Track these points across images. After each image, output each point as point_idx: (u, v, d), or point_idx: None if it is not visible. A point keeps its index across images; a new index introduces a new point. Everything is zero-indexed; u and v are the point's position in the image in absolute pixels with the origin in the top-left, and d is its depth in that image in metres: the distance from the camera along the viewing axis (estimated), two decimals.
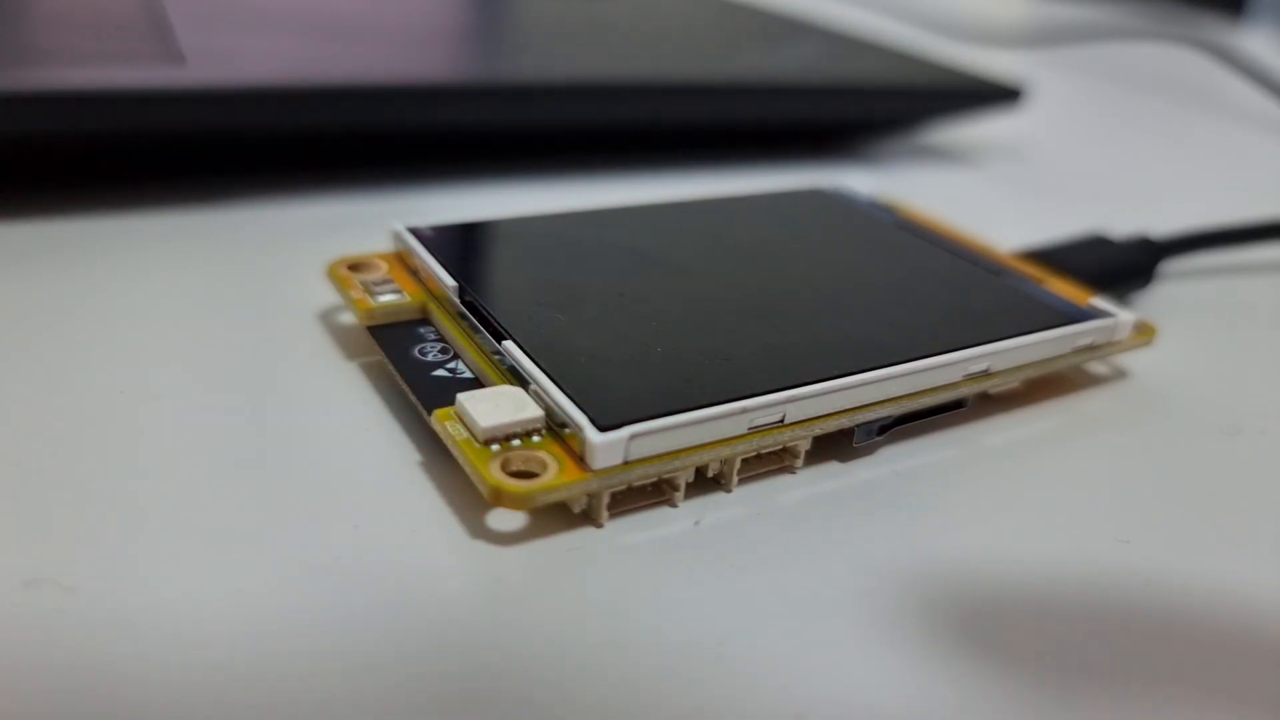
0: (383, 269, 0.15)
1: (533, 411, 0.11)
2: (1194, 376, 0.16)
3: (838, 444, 0.13)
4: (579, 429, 0.11)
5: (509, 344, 0.12)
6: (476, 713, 0.09)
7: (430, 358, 0.13)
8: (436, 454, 0.12)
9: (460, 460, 0.11)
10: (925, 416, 0.13)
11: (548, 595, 0.10)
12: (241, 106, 0.18)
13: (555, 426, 0.11)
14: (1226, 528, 0.13)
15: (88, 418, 0.12)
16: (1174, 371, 0.16)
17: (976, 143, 0.30)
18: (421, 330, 0.14)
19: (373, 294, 0.14)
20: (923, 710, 0.09)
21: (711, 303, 0.14)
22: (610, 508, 0.11)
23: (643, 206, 0.17)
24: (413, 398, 0.12)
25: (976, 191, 0.25)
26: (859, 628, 0.10)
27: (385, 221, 0.19)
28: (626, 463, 0.11)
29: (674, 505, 0.12)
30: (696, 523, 0.12)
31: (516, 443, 0.11)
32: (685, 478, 0.12)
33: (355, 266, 0.15)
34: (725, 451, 0.12)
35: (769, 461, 0.13)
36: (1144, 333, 0.16)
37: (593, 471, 0.11)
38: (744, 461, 0.12)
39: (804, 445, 0.12)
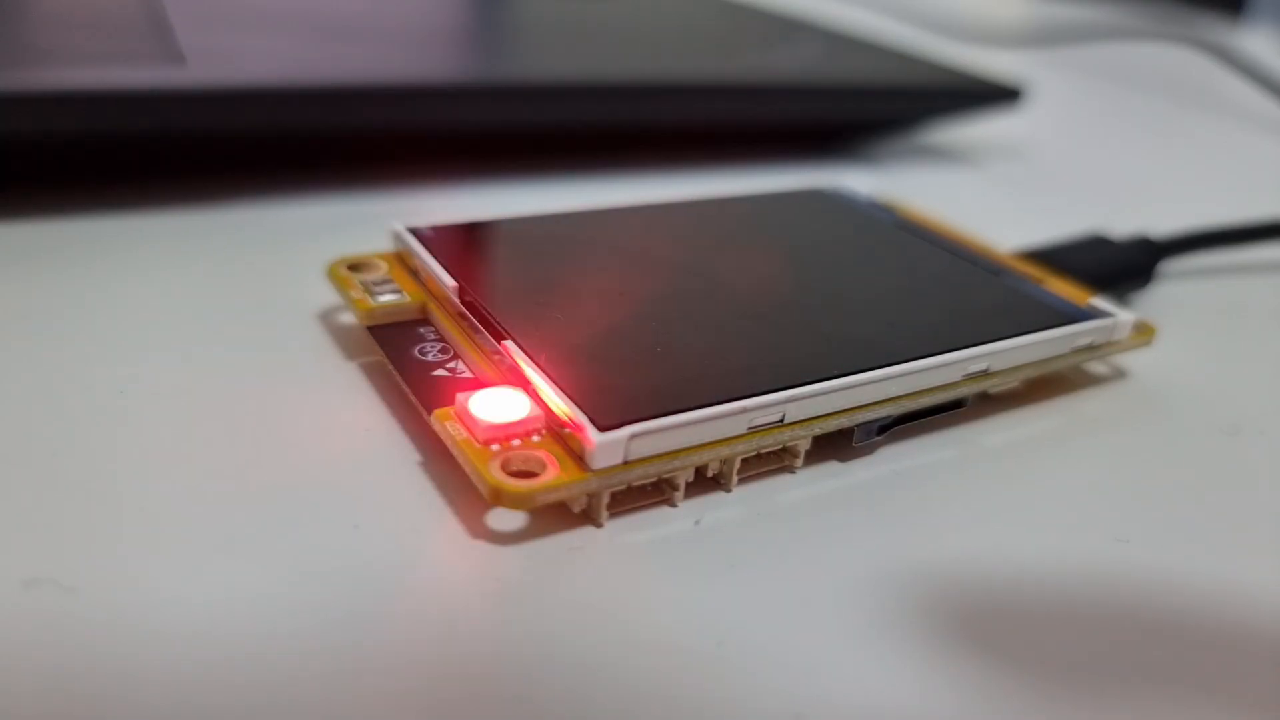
0: (383, 269, 0.15)
1: (532, 411, 0.11)
2: (1193, 376, 0.16)
3: (837, 444, 0.13)
4: (579, 429, 0.11)
5: (509, 344, 0.12)
6: (477, 713, 0.09)
7: (430, 358, 0.13)
8: (436, 454, 0.12)
9: (460, 460, 0.11)
10: (925, 416, 0.13)
11: (548, 595, 0.10)
12: (241, 106, 0.18)
13: (555, 426, 0.11)
14: (1226, 528, 0.13)
15: (88, 417, 0.12)
16: (1173, 371, 0.16)
17: (976, 143, 0.30)
18: (421, 330, 0.14)
19: (373, 294, 0.14)
20: (923, 710, 0.09)
21: (711, 303, 0.14)
22: (610, 507, 0.11)
23: (642, 206, 0.17)
24: (413, 398, 0.12)
25: (976, 191, 0.25)
26: (859, 627, 0.10)
27: (385, 221, 0.19)
28: (626, 462, 0.11)
29: (674, 505, 0.12)
30: (696, 522, 0.12)
31: (516, 443, 0.11)
32: (685, 477, 0.12)
33: (355, 266, 0.15)
34: (725, 451, 0.12)
35: (769, 461, 0.13)
36: (1143, 333, 0.16)
37: (592, 471, 0.11)
38: (744, 461, 0.12)
39: (804, 445, 0.12)
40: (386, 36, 0.23)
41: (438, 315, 0.14)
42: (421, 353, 0.13)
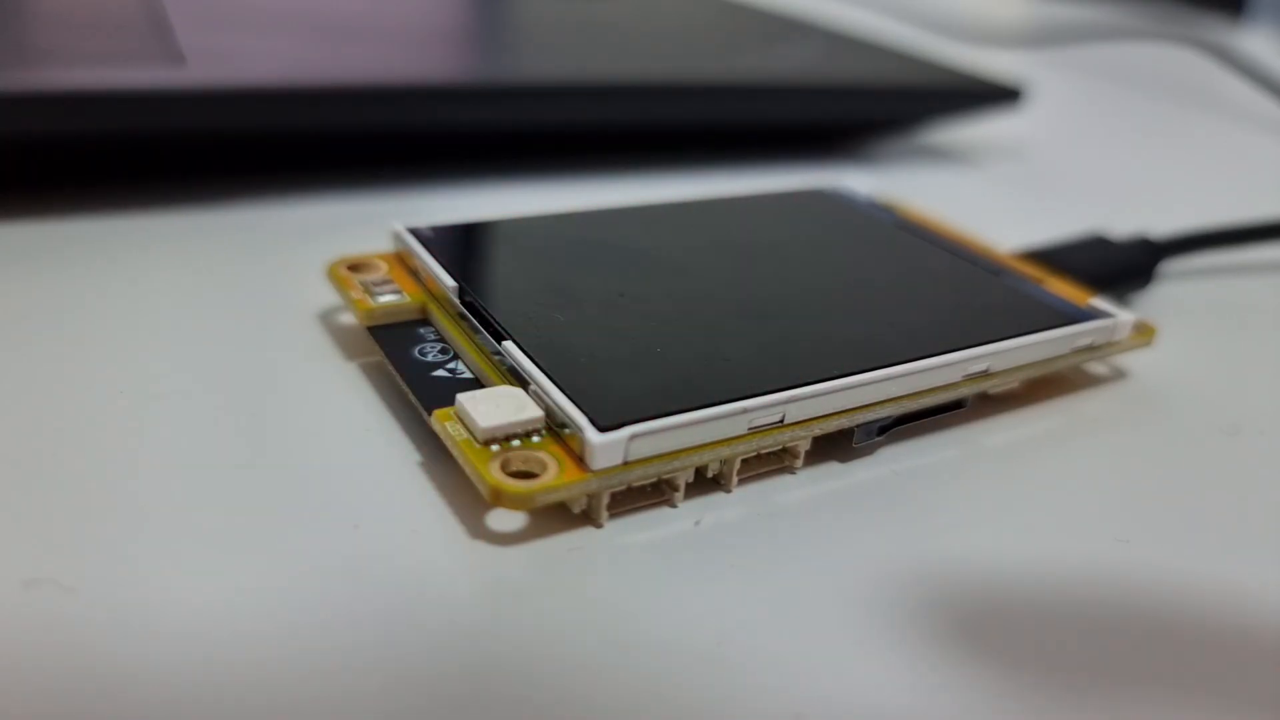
0: (383, 269, 0.15)
1: (532, 412, 0.11)
2: (1193, 376, 0.16)
3: (837, 444, 0.13)
4: (579, 429, 0.11)
5: (509, 344, 0.12)
6: (477, 713, 0.09)
7: (430, 358, 0.13)
8: (436, 454, 0.12)
9: (460, 460, 0.11)
10: (925, 417, 0.13)
11: (548, 595, 0.10)
12: (241, 106, 0.18)
13: (555, 427, 0.11)
14: (1226, 528, 0.13)
15: (88, 418, 0.12)
16: (1173, 372, 0.16)
17: (976, 143, 0.30)
18: (421, 330, 0.14)
19: (373, 294, 0.14)
20: (922, 710, 0.09)
21: (711, 303, 0.14)
22: (610, 508, 0.11)
23: (643, 206, 0.17)
24: (413, 398, 0.12)
25: (976, 191, 0.25)
26: (859, 628, 0.10)
27: (385, 221, 0.19)
28: (626, 463, 0.11)
29: (674, 505, 0.12)
30: (696, 523, 0.12)
31: (516, 443, 0.11)
32: (685, 478, 0.12)
33: (355, 267, 0.15)
34: (725, 452, 0.12)
35: (769, 462, 0.13)
36: (1143, 333, 0.16)
37: (592, 472, 0.11)
38: (744, 462, 0.12)
39: (804, 445, 0.12)
40: (386, 36, 0.23)
41: (438, 315, 0.14)
42: (421, 353, 0.13)
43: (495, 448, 0.11)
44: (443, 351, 0.13)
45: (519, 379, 0.12)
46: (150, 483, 0.11)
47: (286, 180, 0.20)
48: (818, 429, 0.12)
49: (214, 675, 0.09)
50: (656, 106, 0.22)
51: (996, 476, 0.13)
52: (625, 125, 0.23)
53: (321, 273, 0.16)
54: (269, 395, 0.13)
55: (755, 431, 0.12)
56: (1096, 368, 0.16)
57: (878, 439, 0.13)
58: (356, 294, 0.14)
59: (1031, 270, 0.17)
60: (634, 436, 0.11)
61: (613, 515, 0.12)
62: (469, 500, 0.12)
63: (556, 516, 0.11)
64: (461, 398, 0.11)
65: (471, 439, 0.11)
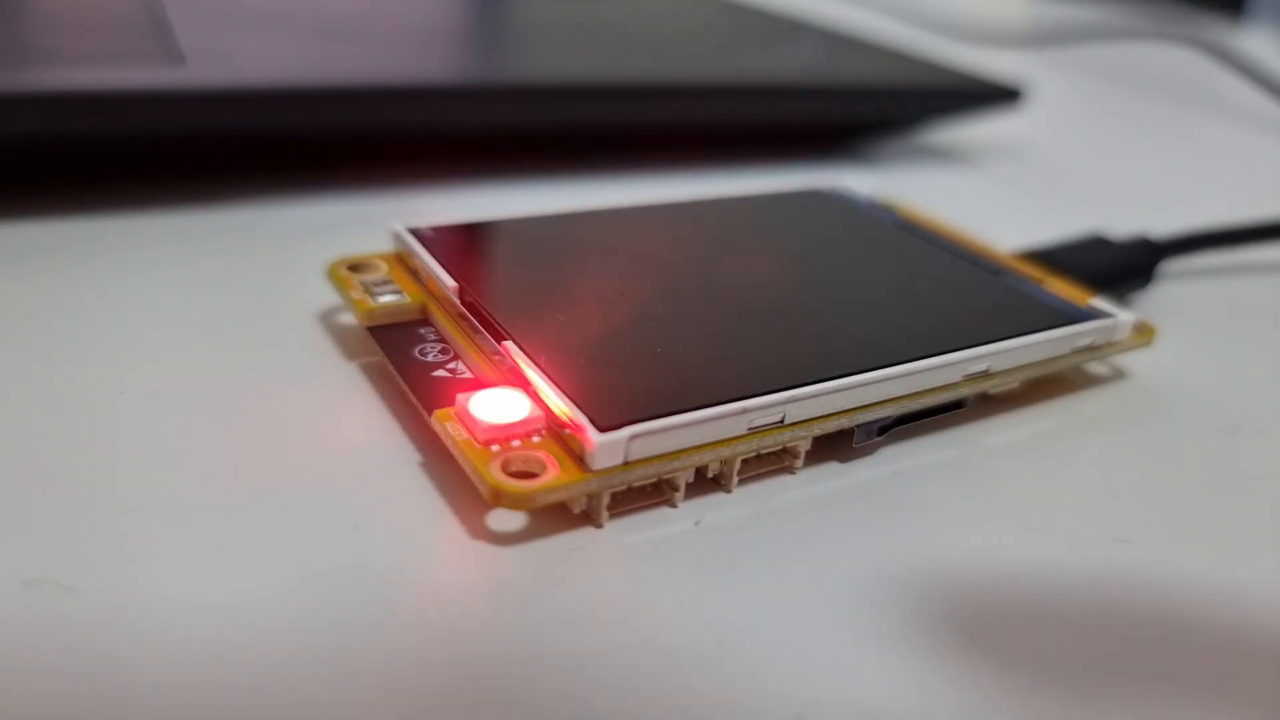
0: (383, 269, 0.15)
1: (532, 412, 0.11)
2: (1193, 377, 0.16)
3: (837, 444, 0.13)
4: (579, 429, 0.11)
5: (509, 344, 0.12)
6: (477, 713, 0.09)
7: (430, 358, 0.13)
8: (436, 454, 0.12)
9: (460, 460, 0.11)
10: (925, 417, 0.13)
11: (548, 595, 0.10)
12: (241, 106, 0.18)
13: (555, 427, 0.11)
14: (1226, 528, 0.13)
15: (88, 418, 0.12)
16: (1173, 372, 0.16)
17: (976, 143, 0.30)
18: (422, 331, 0.14)
19: (373, 294, 0.14)
20: (923, 710, 0.09)
21: (711, 303, 0.14)
22: (610, 508, 0.11)
23: (642, 207, 0.17)
24: (413, 398, 0.12)
25: (976, 191, 0.25)
26: (859, 628, 0.10)
27: (385, 221, 0.19)
28: (626, 463, 0.11)
29: (674, 505, 0.12)
30: (696, 523, 0.12)
31: (516, 443, 0.11)
32: (685, 478, 0.12)
33: (355, 267, 0.15)
34: (725, 452, 0.12)
35: (769, 462, 0.13)
36: (1143, 333, 0.16)
37: (593, 472, 0.11)
38: (744, 462, 0.12)
39: (804, 446, 0.12)
40: (386, 36, 0.23)
41: (438, 316, 0.14)
42: (422, 353, 0.13)
43: (495, 448, 0.11)
44: (443, 351, 0.13)
45: (519, 379, 0.12)
46: (150, 483, 0.11)
47: (286, 180, 0.20)
48: (818, 429, 0.12)
49: (214, 675, 0.09)
50: (656, 106, 0.22)
51: (996, 476, 0.13)
52: (625, 125, 0.23)
53: (321, 273, 0.16)
54: (269, 395, 0.13)
55: (755, 431, 0.12)
56: (1096, 368, 0.16)
57: (878, 439, 0.13)
58: (356, 294, 0.14)
59: (1031, 270, 0.17)
60: (634, 437, 0.11)
61: (613, 515, 0.12)
62: (469, 500, 0.11)
63: (556, 517, 0.11)
64: (461, 398, 0.11)
65: (471, 439, 0.11)
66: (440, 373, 0.13)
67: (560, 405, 0.11)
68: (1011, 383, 0.14)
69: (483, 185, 0.21)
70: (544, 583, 0.10)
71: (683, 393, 0.11)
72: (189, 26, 0.20)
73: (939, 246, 0.17)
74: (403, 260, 0.15)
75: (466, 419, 0.11)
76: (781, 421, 0.12)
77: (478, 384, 0.12)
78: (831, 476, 0.13)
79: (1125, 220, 0.23)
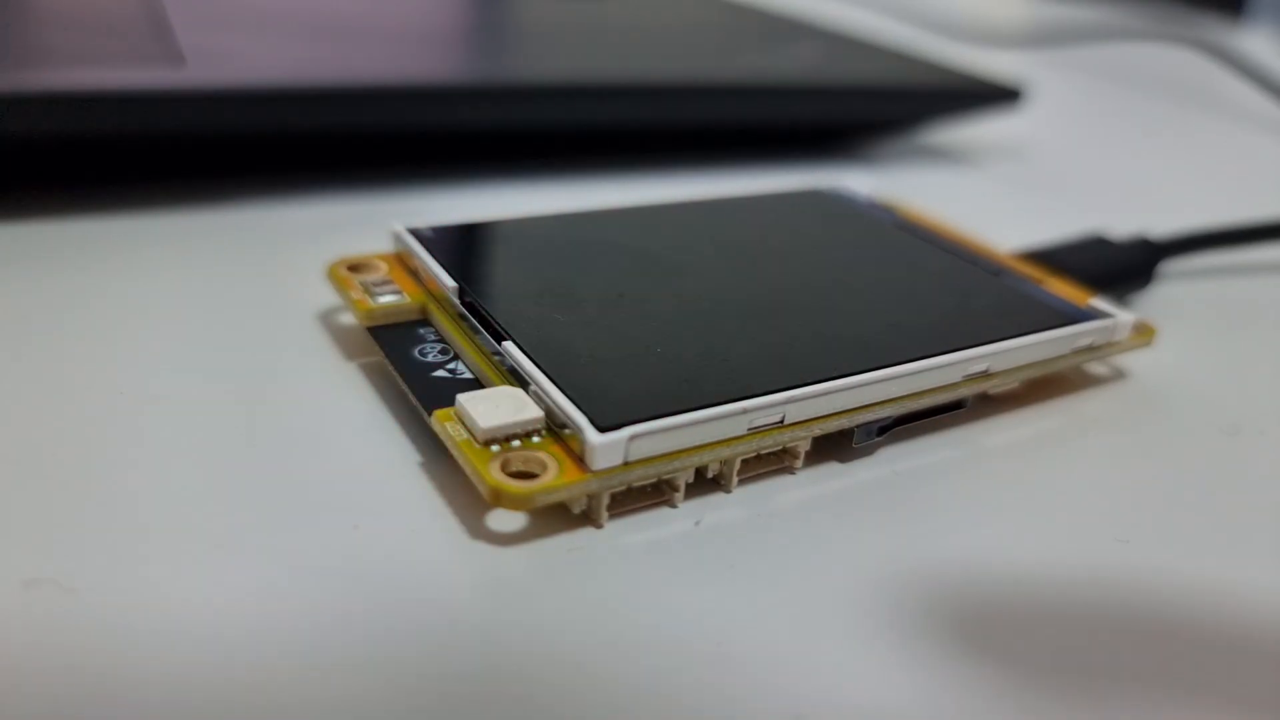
0: (383, 269, 0.15)
1: (532, 412, 0.11)
2: (1193, 377, 0.16)
3: (837, 444, 0.13)
4: (579, 430, 0.11)
5: (509, 344, 0.12)
6: (477, 713, 0.09)
7: (430, 358, 0.13)
8: (436, 454, 0.12)
9: (460, 461, 0.11)
10: (925, 417, 0.13)
11: (548, 595, 0.10)
12: (241, 106, 0.18)
13: (555, 427, 0.11)
14: (1226, 528, 0.13)
15: (88, 418, 0.12)
16: (1173, 372, 0.16)
17: (976, 143, 0.30)
18: (421, 331, 0.14)
19: (372, 294, 0.14)
20: (923, 710, 0.09)
21: (711, 303, 0.14)
22: (610, 508, 0.11)
23: (643, 207, 0.17)
24: (413, 398, 0.12)
25: (976, 191, 0.25)
26: (859, 628, 0.10)
27: (385, 221, 0.19)
28: (626, 463, 0.11)
29: (674, 506, 0.12)
30: (696, 523, 0.12)
31: (516, 443, 0.11)
32: (685, 478, 0.12)
33: (355, 267, 0.15)
34: (725, 452, 0.12)
35: (769, 462, 0.13)
36: (1143, 333, 0.16)
37: (592, 472, 0.11)
38: (744, 462, 0.12)
39: (804, 446, 0.12)
40: (386, 37, 0.23)
41: (438, 316, 0.14)
42: (421, 353, 0.13)
43: (495, 448, 0.11)
44: (443, 352, 0.13)
45: (519, 379, 0.12)
46: (150, 483, 0.11)
47: (286, 180, 0.20)
48: (818, 429, 0.12)
49: (214, 675, 0.09)
50: (656, 106, 0.22)
51: (996, 476, 0.13)
52: (626, 125, 0.23)
53: (321, 273, 0.16)
54: (269, 395, 0.13)
55: (755, 432, 0.12)
56: (1096, 368, 0.16)
57: (878, 439, 0.13)
58: (356, 294, 0.14)
59: (1031, 270, 0.17)
60: (634, 437, 0.11)
61: (613, 515, 0.12)
62: (469, 500, 0.12)
63: (556, 517, 0.11)
64: (461, 398, 0.11)
65: (471, 439, 0.11)
66: (440, 373, 0.13)
67: (560, 405, 0.11)
68: (1011, 383, 0.14)
69: (483, 185, 0.21)
70: (544, 583, 0.10)
71: (682, 393, 0.11)
72: (189, 26, 0.20)
73: (939, 246, 0.17)
74: (402, 260, 0.15)
75: (466, 419, 0.11)
76: (781, 422, 0.12)
77: (477, 384, 0.12)
78: (831, 477, 0.13)
79: (1125, 220, 0.23)
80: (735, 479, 0.12)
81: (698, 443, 0.11)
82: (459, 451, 0.11)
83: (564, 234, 0.16)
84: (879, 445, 0.13)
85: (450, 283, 0.13)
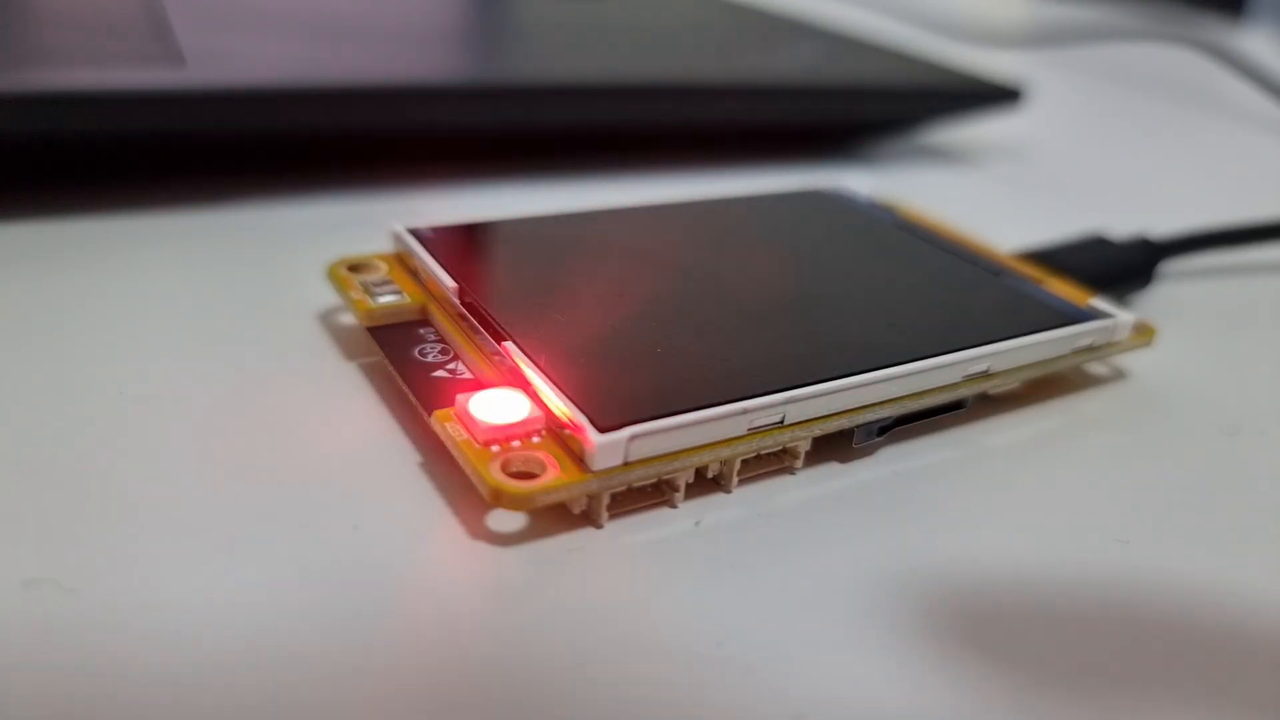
0: (383, 270, 0.15)
1: (532, 412, 0.11)
2: (1193, 377, 0.16)
3: (837, 445, 0.13)
4: (579, 430, 0.11)
5: (509, 345, 0.12)
6: (477, 713, 0.09)
7: (430, 358, 0.13)
8: (436, 455, 0.12)
9: (460, 461, 0.11)
10: (925, 417, 0.13)
11: (548, 595, 0.10)
12: (241, 106, 0.18)
13: (555, 427, 0.11)
14: (1226, 528, 0.13)
15: (88, 418, 0.12)
16: (1173, 372, 0.16)
17: (976, 143, 0.30)
18: (421, 331, 0.14)
19: (372, 295, 0.14)
20: (923, 710, 0.09)
21: (711, 303, 0.14)
22: (610, 508, 0.11)
23: (642, 207, 0.17)
24: (413, 398, 0.12)
25: (976, 191, 0.25)
26: (859, 628, 0.10)
27: (385, 221, 0.19)
28: (626, 463, 0.11)
29: (674, 506, 0.12)
30: (696, 523, 0.12)
31: (516, 444, 0.11)
32: (685, 478, 0.12)
33: (355, 267, 0.15)
34: (725, 452, 0.12)
35: (769, 462, 0.13)
36: (1143, 333, 0.16)
37: (592, 472, 0.11)
38: (744, 462, 0.12)
39: (804, 446, 0.12)
40: (386, 36, 0.23)
41: (438, 316, 0.14)
42: (421, 354, 0.13)
43: (495, 448, 0.11)
44: (443, 352, 0.13)
45: (519, 379, 0.12)
46: (150, 483, 0.11)
47: (286, 180, 0.20)
48: (818, 429, 0.12)
49: (214, 676, 0.09)
50: (657, 106, 0.22)
51: (996, 476, 0.13)
52: (625, 125, 0.23)
53: (321, 273, 0.16)
54: (269, 395, 0.13)
55: (755, 432, 0.12)
56: (1096, 368, 0.16)
57: (878, 439, 0.13)
58: (356, 294, 0.14)
59: (1031, 271, 0.17)
60: (634, 437, 0.11)
61: (613, 516, 0.12)
62: (469, 501, 0.11)
63: (556, 517, 0.11)
64: (461, 398, 0.11)
65: (471, 439, 0.11)
66: (440, 373, 0.13)
67: (560, 405, 0.11)
68: (1012, 383, 0.14)
69: (483, 185, 0.21)
70: (544, 583, 0.10)
71: (682, 393, 0.11)
72: (189, 27, 0.20)
73: (939, 246, 0.17)
74: (402, 260, 0.15)
75: (466, 419, 0.11)
76: (781, 422, 0.12)
77: (478, 384, 0.12)
78: (831, 477, 0.13)
79: (1125, 220, 0.23)
80: (735, 479, 0.12)
81: (698, 443, 0.11)
82: (459, 451, 0.11)
83: (564, 234, 0.16)
84: (879, 445, 0.13)
85: (450, 283, 0.13)
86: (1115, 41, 0.48)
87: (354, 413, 0.13)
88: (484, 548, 0.11)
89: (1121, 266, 0.18)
